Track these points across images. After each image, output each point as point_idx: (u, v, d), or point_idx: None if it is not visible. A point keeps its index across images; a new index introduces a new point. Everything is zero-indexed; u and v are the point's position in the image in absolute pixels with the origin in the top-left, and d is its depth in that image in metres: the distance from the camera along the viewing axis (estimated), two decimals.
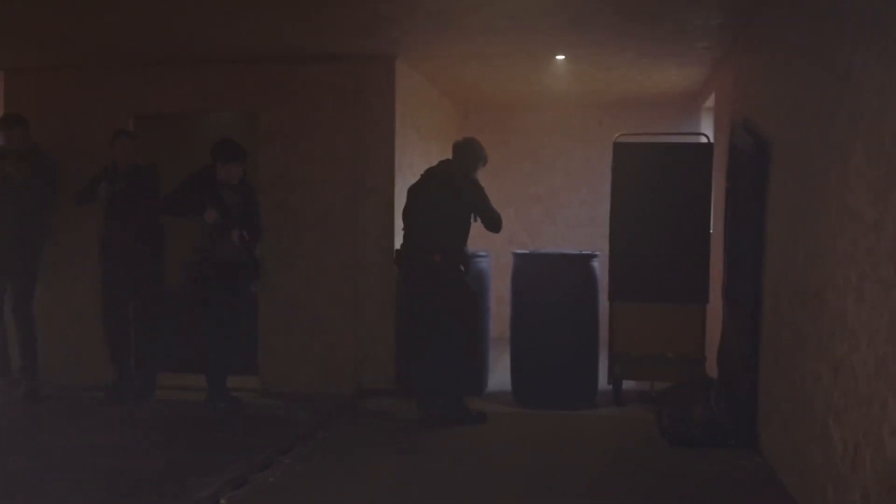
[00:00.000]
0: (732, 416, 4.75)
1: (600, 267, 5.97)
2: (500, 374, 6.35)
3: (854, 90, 3.01)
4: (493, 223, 5.37)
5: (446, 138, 7.93)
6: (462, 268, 5.34)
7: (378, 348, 6.07)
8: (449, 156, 8.05)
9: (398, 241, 6.11)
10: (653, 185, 5.80)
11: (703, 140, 6.45)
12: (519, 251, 6.10)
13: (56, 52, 5.84)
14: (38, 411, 5.63)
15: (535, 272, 5.82)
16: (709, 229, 5.96)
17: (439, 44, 5.56)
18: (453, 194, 5.31)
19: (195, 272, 5.46)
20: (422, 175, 5.53)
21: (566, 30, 5.14)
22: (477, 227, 5.47)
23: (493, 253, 7.60)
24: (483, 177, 8.60)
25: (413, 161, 6.60)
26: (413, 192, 5.49)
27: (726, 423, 4.75)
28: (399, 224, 6.04)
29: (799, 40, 3.90)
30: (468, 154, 5.49)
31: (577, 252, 5.95)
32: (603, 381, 5.93)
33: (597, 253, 5.96)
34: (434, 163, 7.35)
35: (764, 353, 4.51)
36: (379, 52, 5.82)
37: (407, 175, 6.43)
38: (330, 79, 6.05)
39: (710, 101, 7.07)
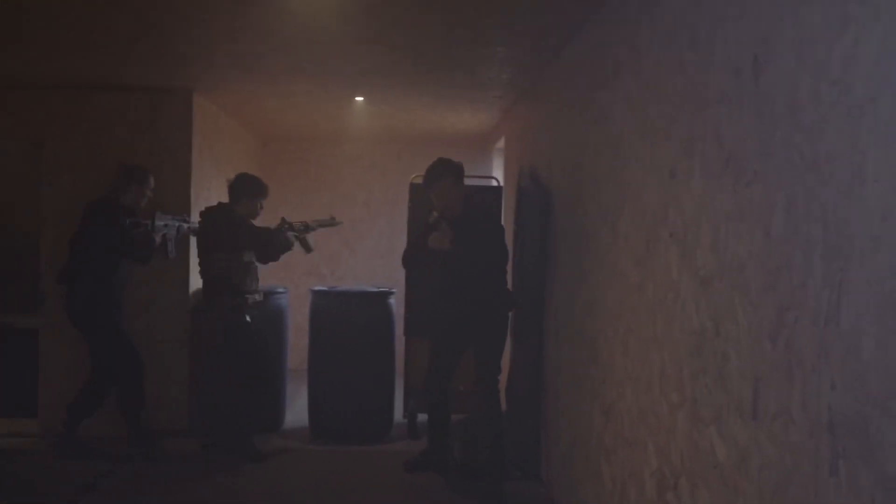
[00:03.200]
0: (518, 450, 5.04)
1: (397, 303, 6.14)
2: (297, 411, 6.35)
3: (622, 161, 3.34)
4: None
5: (245, 169, 7.86)
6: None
7: (170, 389, 5.89)
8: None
9: (194, 279, 6.00)
10: None
11: (494, 183, 6.80)
12: (317, 288, 6.13)
13: None
14: None
15: (333, 309, 5.88)
16: None
17: (238, 81, 5.52)
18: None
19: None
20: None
21: (365, 76, 5.29)
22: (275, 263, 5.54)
23: (292, 283, 7.63)
24: (283, 207, 8.65)
25: (210, 193, 6.47)
26: None
27: (513, 455, 5.02)
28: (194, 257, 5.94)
29: (579, 104, 4.24)
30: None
31: (375, 289, 6.07)
32: (399, 415, 6.08)
33: (393, 290, 6.11)
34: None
35: (547, 390, 4.83)
36: (176, 86, 5.70)
37: (203, 207, 6.30)
38: (123, 108, 5.84)
39: (501, 143, 7.47)
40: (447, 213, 4.71)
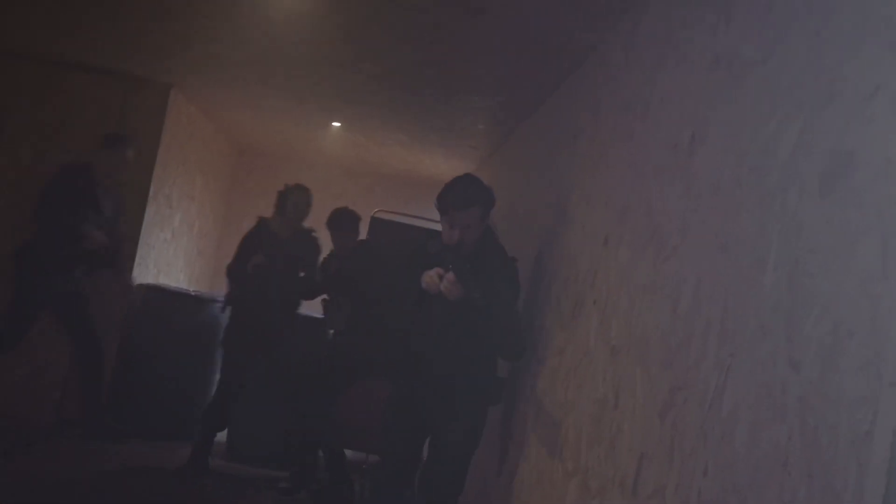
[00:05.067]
0: None
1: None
2: None
3: (566, 225, 3.33)
4: None
5: (215, 174, 7.83)
6: None
7: None
8: (212, 190, 7.82)
9: (139, 269, 5.92)
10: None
11: None
12: None
13: None
14: None
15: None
16: None
17: (215, 85, 5.50)
18: None
19: None
20: None
21: (341, 101, 5.28)
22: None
23: None
24: (248, 219, 8.56)
25: (171, 192, 6.41)
26: None
27: None
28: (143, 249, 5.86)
29: (540, 165, 4.25)
30: None
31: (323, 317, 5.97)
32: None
33: None
34: (198, 196, 7.23)
35: None
36: (153, 78, 5.67)
37: (162, 205, 6.24)
38: (95, 91, 5.77)
39: None
40: (459, 249, 3.27)
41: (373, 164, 7.67)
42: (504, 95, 4.42)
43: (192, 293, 6.23)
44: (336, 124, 6.15)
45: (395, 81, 4.55)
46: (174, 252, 6.89)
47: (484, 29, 3.44)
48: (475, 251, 3.32)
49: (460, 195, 3.28)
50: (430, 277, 3.17)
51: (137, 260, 5.89)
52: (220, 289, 8.15)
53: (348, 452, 6.06)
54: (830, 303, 1.36)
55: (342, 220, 4.96)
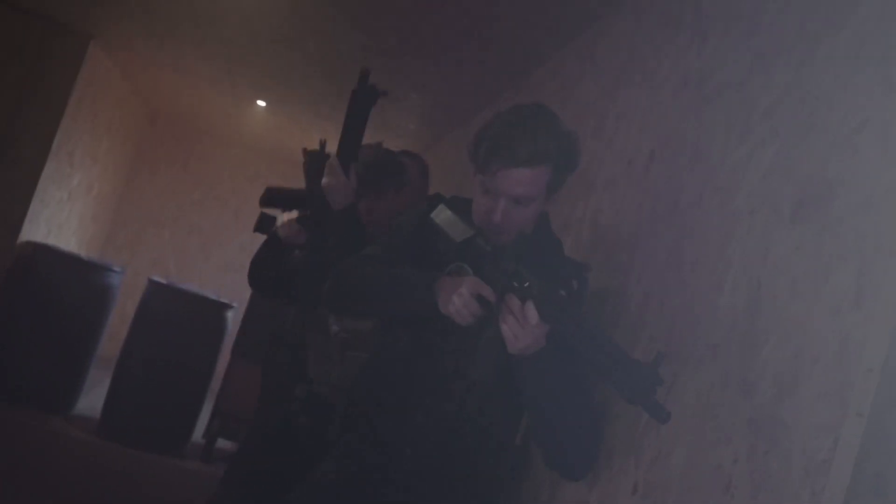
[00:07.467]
0: None
1: (234, 319, 5.81)
2: (92, 399, 5.87)
3: None
4: None
5: (124, 138, 7.49)
6: None
7: None
8: (117, 154, 7.47)
9: (29, 226, 5.57)
10: None
11: None
12: (156, 278, 5.77)
13: None
14: None
15: (165, 305, 5.52)
16: None
17: (143, 41, 5.24)
18: None
19: None
20: None
21: (272, 80, 5.13)
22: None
23: (130, 270, 7.18)
24: (150, 190, 8.23)
25: (74, 150, 6.08)
26: None
27: None
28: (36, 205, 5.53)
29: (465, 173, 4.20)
30: None
31: (215, 297, 5.76)
32: (200, 435, 5.70)
33: (234, 304, 5.79)
34: (101, 158, 6.90)
35: None
36: (75, 26, 5.36)
37: (63, 162, 5.91)
38: (11, 28, 5.42)
39: None
40: (515, 245, 1.68)
41: (292, 150, 7.48)
42: (443, 96, 4.37)
43: (85, 258, 5.90)
44: (261, 103, 5.96)
45: (336, 66, 4.43)
46: (68, 214, 6.53)
47: (438, 23, 3.37)
48: (529, 248, 1.69)
49: (528, 141, 1.72)
50: (464, 296, 1.62)
51: (29, 217, 5.55)
52: (111, 258, 7.81)
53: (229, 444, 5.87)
54: (794, 328, 1.34)
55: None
